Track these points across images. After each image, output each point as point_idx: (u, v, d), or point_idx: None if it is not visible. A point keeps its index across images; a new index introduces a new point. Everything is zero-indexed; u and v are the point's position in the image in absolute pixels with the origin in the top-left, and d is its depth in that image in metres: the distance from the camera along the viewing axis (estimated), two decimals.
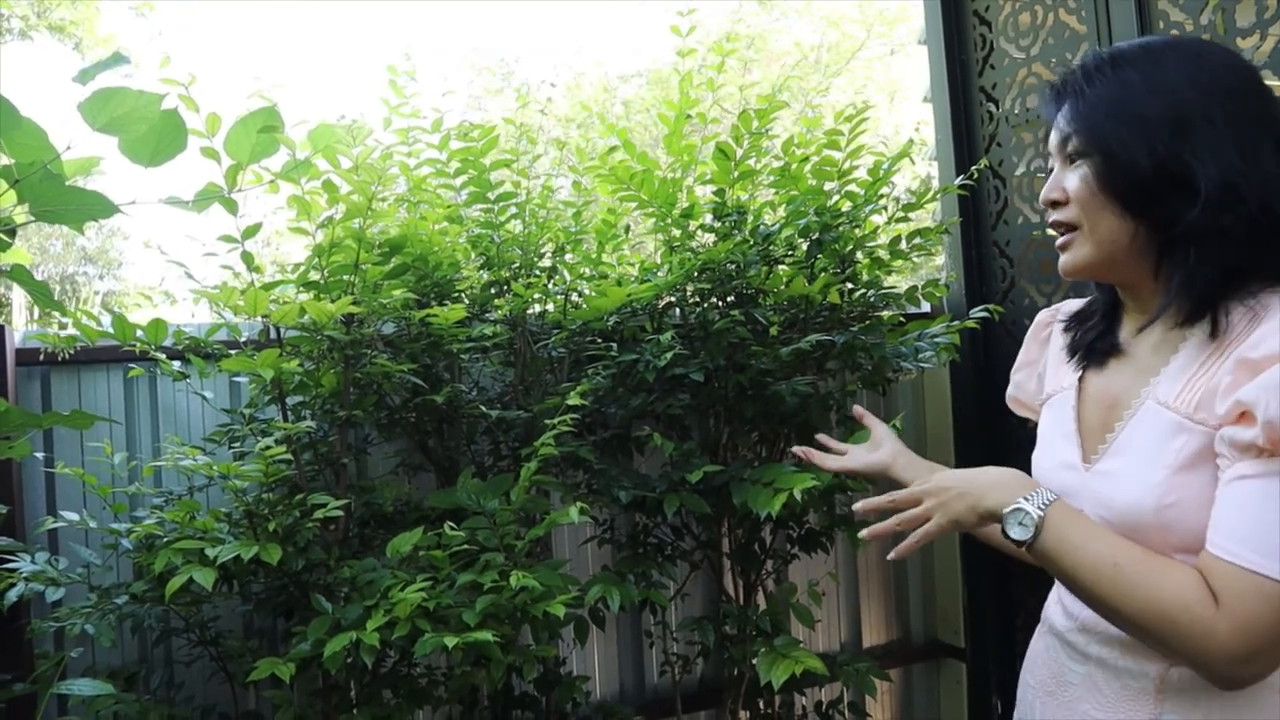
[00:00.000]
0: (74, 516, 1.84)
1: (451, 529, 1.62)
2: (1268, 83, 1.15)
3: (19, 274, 1.46)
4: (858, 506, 1.31)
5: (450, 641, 1.46)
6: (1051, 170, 1.21)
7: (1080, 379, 1.28)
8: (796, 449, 1.69)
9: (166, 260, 1.90)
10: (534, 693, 2.29)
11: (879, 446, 1.59)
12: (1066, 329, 1.35)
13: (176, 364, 1.99)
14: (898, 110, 16.61)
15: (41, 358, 2.08)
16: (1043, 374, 1.42)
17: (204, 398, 2.06)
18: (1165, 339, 1.15)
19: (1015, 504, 1.12)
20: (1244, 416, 1.00)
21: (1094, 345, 1.26)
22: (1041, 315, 1.46)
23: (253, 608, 2.06)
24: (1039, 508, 1.10)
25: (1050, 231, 1.22)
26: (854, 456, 1.61)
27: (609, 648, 2.67)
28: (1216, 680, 1.01)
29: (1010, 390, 1.52)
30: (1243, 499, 0.99)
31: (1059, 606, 1.27)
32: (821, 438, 1.69)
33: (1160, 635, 1.01)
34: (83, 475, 1.91)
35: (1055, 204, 1.19)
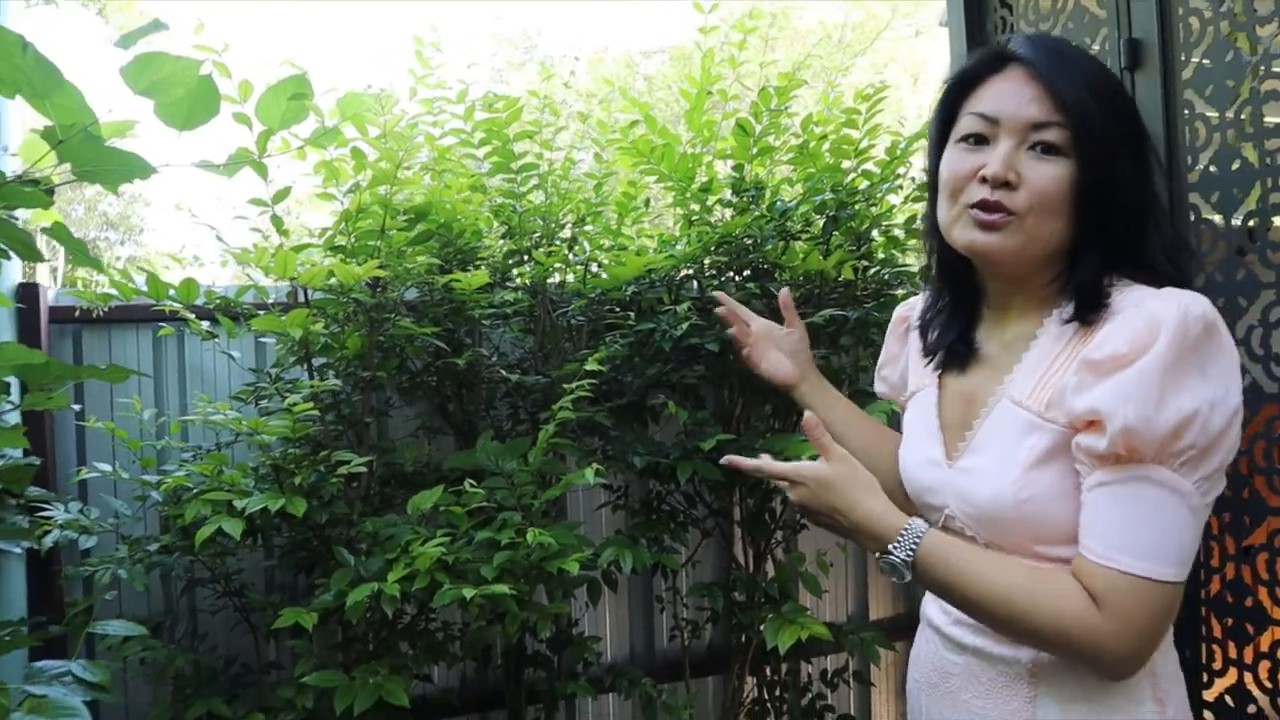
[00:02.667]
0: (106, 468, 1.90)
1: (472, 486, 1.68)
2: None
3: (59, 231, 1.52)
4: (724, 460, 1.23)
5: (468, 593, 1.52)
6: (978, 138, 1.14)
7: (940, 376, 1.28)
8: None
9: (197, 223, 1.96)
10: (546, 652, 2.36)
11: (793, 353, 1.53)
12: (920, 330, 1.34)
13: (205, 324, 2.05)
14: (920, 92, 16.53)
15: (77, 314, 2.13)
16: (904, 370, 1.41)
17: (231, 357, 2.12)
18: (1018, 336, 1.17)
19: (886, 553, 1.09)
20: (1095, 425, 1.02)
21: (952, 348, 1.25)
22: (899, 310, 1.45)
23: (276, 561, 2.13)
24: (908, 553, 1.08)
25: (972, 204, 1.13)
26: (767, 356, 1.53)
27: (620, 611, 2.73)
28: (1107, 675, 1.06)
29: (877, 386, 1.52)
30: (1106, 504, 1.02)
31: (935, 603, 1.27)
32: (785, 297, 1.57)
33: (1054, 646, 1.06)
34: (114, 429, 1.98)
35: (1004, 184, 1.10)
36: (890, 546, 1.08)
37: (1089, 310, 1.08)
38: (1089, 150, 1.08)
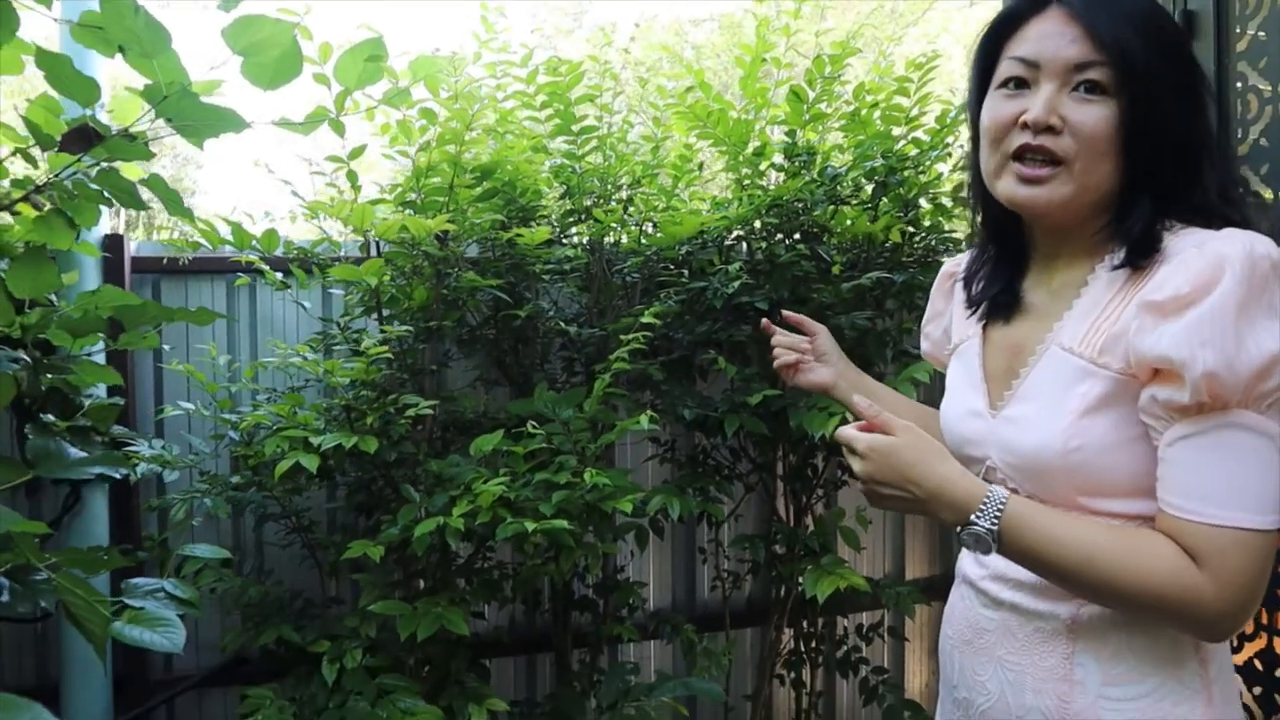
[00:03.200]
0: (189, 406, 2.03)
1: (534, 428, 1.78)
2: None
3: (155, 183, 1.63)
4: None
5: (530, 526, 1.63)
6: (1019, 82, 1.10)
7: (984, 328, 1.25)
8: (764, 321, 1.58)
9: (273, 179, 2.06)
10: (593, 596, 2.47)
11: (823, 356, 1.50)
12: (965, 282, 1.31)
13: (279, 275, 2.16)
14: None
15: (165, 262, 2.24)
16: (949, 326, 1.38)
17: (302, 306, 2.23)
18: (1066, 284, 1.14)
19: (970, 524, 1.03)
20: (1167, 375, 0.97)
21: (996, 299, 1.23)
22: (946, 266, 1.41)
23: (341, 502, 2.25)
24: (993, 523, 1.02)
25: (1013, 152, 1.09)
26: (802, 370, 1.50)
27: (663, 562, 2.83)
28: (1209, 637, 1.01)
29: (922, 344, 1.48)
30: (1194, 457, 0.97)
31: (970, 556, 1.23)
32: (789, 315, 1.54)
33: (1152, 611, 0.99)
34: (193, 372, 2.10)
35: (1048, 129, 1.06)
36: (973, 516, 1.03)
37: (1141, 254, 1.03)
38: (1134, 88, 1.03)
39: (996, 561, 1.16)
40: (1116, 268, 1.06)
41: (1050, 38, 1.07)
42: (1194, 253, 0.98)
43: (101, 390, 2.11)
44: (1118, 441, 1.03)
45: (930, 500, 1.05)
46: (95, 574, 1.61)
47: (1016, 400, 1.13)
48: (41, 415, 1.92)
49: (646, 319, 1.92)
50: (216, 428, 2.14)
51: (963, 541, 1.05)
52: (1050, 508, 1.06)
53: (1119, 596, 1.00)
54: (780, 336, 1.53)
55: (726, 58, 17.08)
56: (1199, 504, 0.96)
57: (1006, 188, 1.11)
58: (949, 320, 1.38)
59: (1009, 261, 1.23)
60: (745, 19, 17.83)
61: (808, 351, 1.51)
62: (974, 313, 1.27)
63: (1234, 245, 0.95)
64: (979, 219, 1.27)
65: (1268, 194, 2.02)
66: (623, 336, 1.89)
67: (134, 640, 1.40)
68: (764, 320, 1.56)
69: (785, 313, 1.54)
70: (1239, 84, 2.07)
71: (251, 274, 2.22)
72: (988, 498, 1.03)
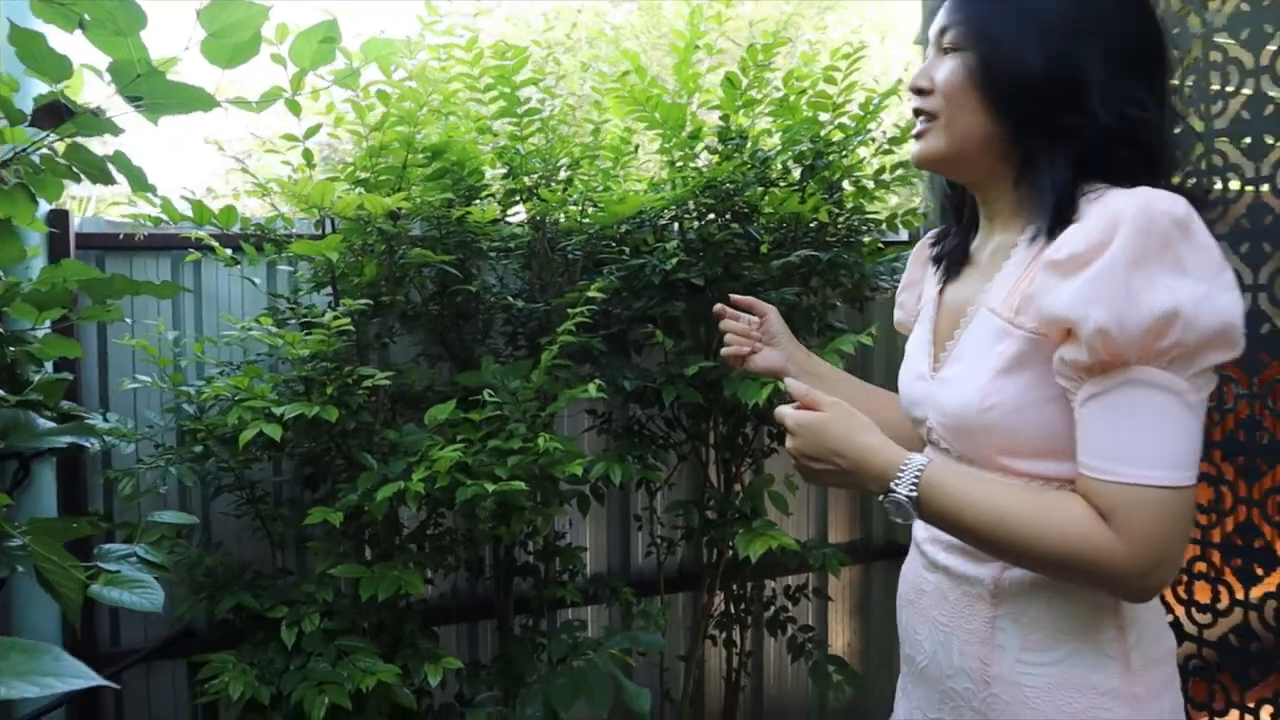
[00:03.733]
0: (146, 379, 2.06)
1: (490, 396, 1.87)
2: None
3: (120, 159, 1.67)
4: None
5: (490, 487, 1.72)
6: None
7: (940, 292, 1.29)
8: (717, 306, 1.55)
9: (227, 156, 2.10)
10: (534, 562, 2.56)
11: (773, 339, 1.50)
12: (933, 243, 1.36)
13: (228, 251, 2.20)
14: (888, 49, 16.68)
15: (120, 238, 2.25)
16: (921, 294, 1.40)
17: (251, 282, 2.28)
18: (1000, 246, 1.18)
19: (890, 491, 1.07)
20: (1071, 334, 0.99)
21: (950, 256, 1.28)
22: (926, 237, 1.43)
23: (292, 470, 2.31)
24: (909, 487, 1.06)
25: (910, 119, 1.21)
26: (753, 357, 1.50)
27: (599, 530, 2.94)
28: (1126, 596, 1.03)
29: (896, 314, 1.51)
30: (1100, 416, 0.98)
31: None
32: (739, 299, 1.54)
33: (1066, 571, 1.01)
34: (145, 345, 2.13)
35: (920, 91, 1.16)
36: (892, 484, 1.06)
37: (1058, 221, 1.05)
38: (984, 42, 1.10)
39: None
40: (1034, 238, 1.10)
41: (934, 15, 1.18)
42: (1094, 210, 1.00)
43: (48, 365, 2.13)
44: (1031, 401, 1.05)
45: (854, 471, 1.10)
46: (60, 542, 1.66)
47: (951, 361, 1.17)
48: None
49: (592, 294, 2.02)
50: (167, 400, 2.18)
51: (886, 509, 1.09)
52: (968, 471, 1.11)
53: (1033, 557, 1.02)
54: (730, 322, 1.52)
55: (646, 39, 17.18)
56: (1105, 462, 0.97)
57: (910, 150, 1.23)
58: (921, 289, 1.41)
59: (966, 229, 1.30)
60: (665, 1, 17.95)
61: (758, 337, 1.51)
62: (936, 271, 1.32)
63: (1131, 202, 0.96)
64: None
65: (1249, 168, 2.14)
66: (569, 310, 1.99)
67: (114, 601, 1.46)
68: (717, 305, 1.54)
69: (734, 296, 1.54)
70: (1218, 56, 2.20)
71: (201, 250, 2.25)
72: (905, 464, 1.07)
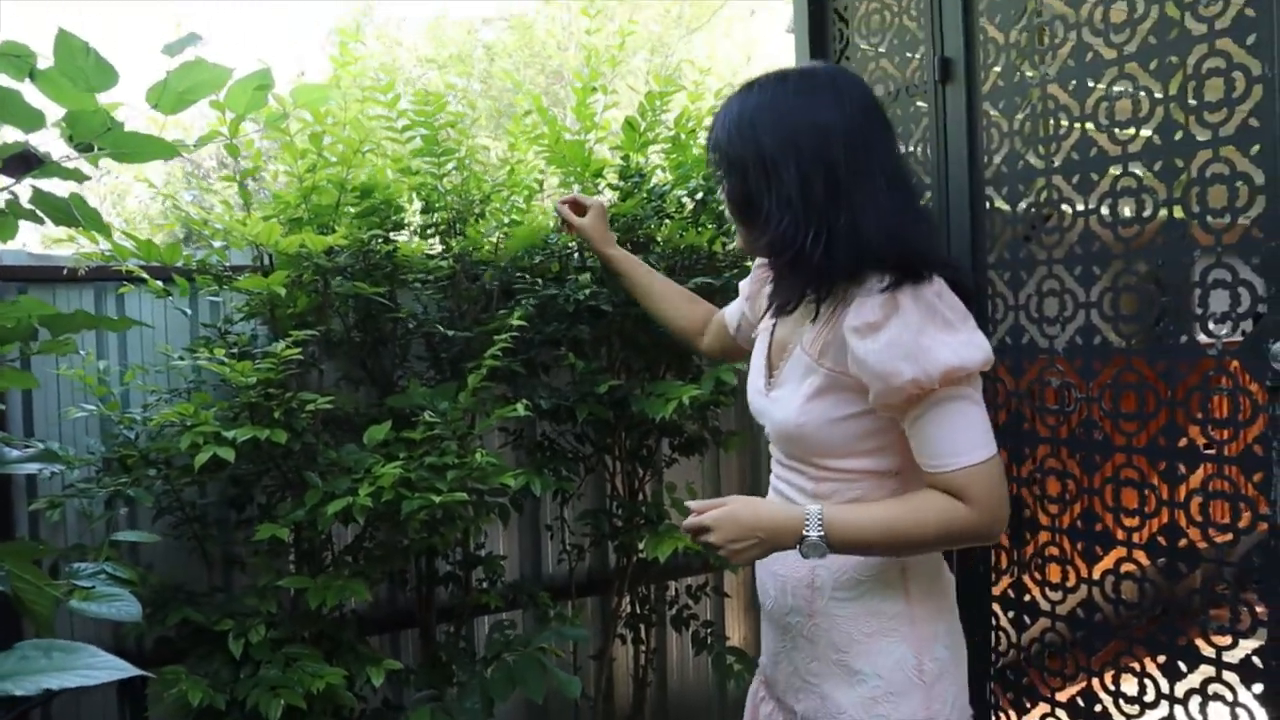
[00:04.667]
0: (91, 407, 2.16)
1: (430, 416, 2.04)
2: None
3: (76, 200, 1.79)
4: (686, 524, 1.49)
5: (436, 499, 1.89)
6: None
7: (774, 324, 1.62)
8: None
9: (161, 195, 2.22)
10: (456, 572, 2.73)
11: (596, 223, 2.12)
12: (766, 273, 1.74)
13: (159, 283, 2.31)
14: (754, 69, 17.25)
15: (80, 271, 2.31)
16: (756, 301, 1.78)
17: (184, 313, 2.39)
18: (809, 303, 1.49)
19: (804, 538, 1.37)
20: (886, 383, 1.34)
21: (781, 305, 1.53)
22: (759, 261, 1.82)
23: (221, 489, 2.42)
24: (819, 530, 1.36)
25: None
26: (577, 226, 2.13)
27: (512, 539, 3.12)
28: (986, 542, 1.45)
29: (731, 308, 1.95)
30: (929, 428, 1.35)
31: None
32: (571, 196, 2.21)
33: (948, 544, 1.42)
34: (82, 375, 2.22)
35: None
36: (805, 532, 1.36)
37: (832, 298, 1.44)
38: (729, 173, 1.49)
39: None
40: (831, 304, 1.45)
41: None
42: (877, 289, 1.36)
43: None
44: (832, 419, 1.44)
45: (773, 536, 1.40)
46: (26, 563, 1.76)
47: (778, 385, 1.54)
48: None
49: (515, 321, 2.21)
50: (92, 430, 2.27)
51: (804, 553, 1.39)
52: (854, 505, 1.45)
53: (924, 544, 1.41)
54: (563, 208, 2.16)
55: (519, 57, 17.36)
56: (946, 458, 1.35)
57: None
58: (760, 302, 1.74)
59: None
60: (536, 20, 18.16)
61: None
62: (769, 310, 1.63)
63: (906, 286, 1.35)
64: None
65: (1007, 208, 2.50)
66: (495, 337, 2.17)
67: (94, 614, 1.58)
68: (559, 203, 2.16)
69: (568, 195, 2.16)
70: (984, 120, 2.55)
71: (133, 282, 2.34)
72: (807, 516, 1.38)
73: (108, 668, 1.12)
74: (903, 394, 1.34)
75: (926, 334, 1.33)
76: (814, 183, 1.39)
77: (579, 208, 2.12)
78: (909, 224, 1.42)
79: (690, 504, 1.47)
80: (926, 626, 1.48)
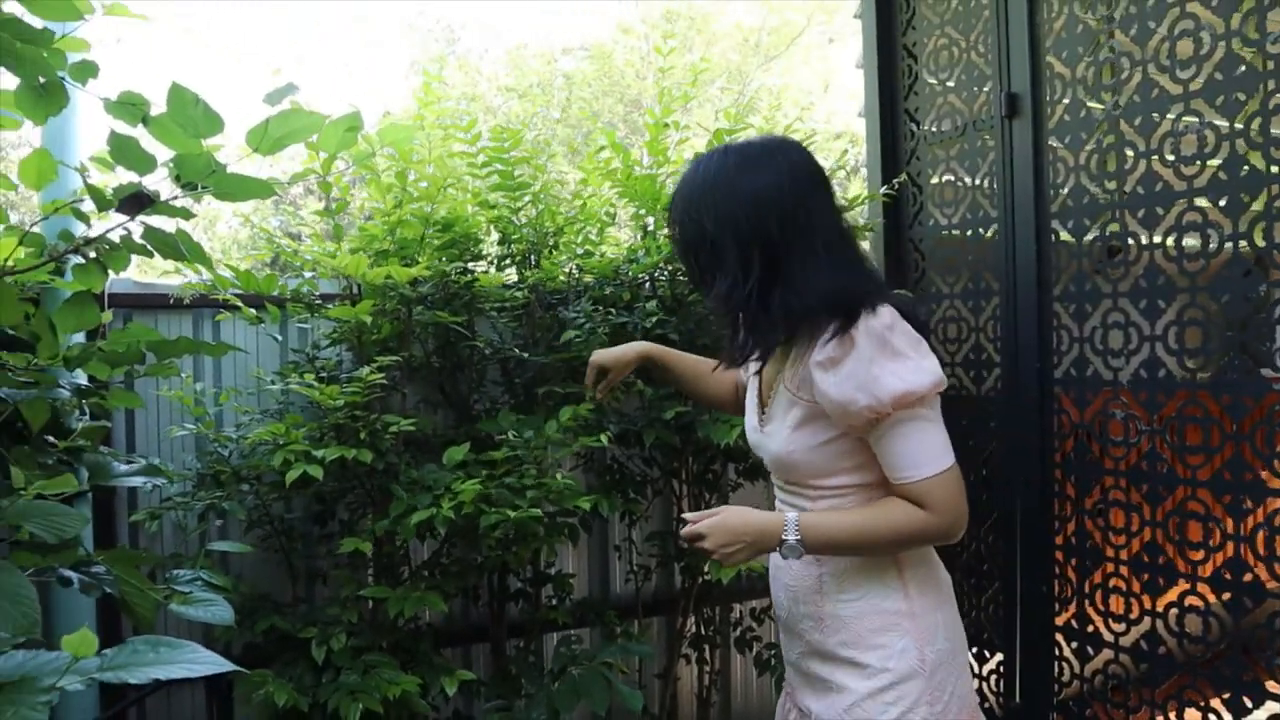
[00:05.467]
0: (191, 427, 2.31)
1: (513, 436, 2.15)
2: None
3: (182, 236, 1.93)
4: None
5: (512, 514, 2.00)
6: None
7: (758, 371, 1.77)
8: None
9: (250, 223, 2.37)
10: (527, 589, 2.83)
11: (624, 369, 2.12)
12: None
13: (253, 311, 2.46)
14: (832, 97, 17.28)
15: (184, 300, 2.47)
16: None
17: (275, 339, 2.54)
18: (786, 348, 1.66)
19: (784, 540, 1.54)
20: (847, 408, 1.50)
21: (734, 357, 1.69)
22: None
23: (305, 504, 2.55)
24: (795, 534, 1.53)
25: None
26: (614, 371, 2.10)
27: (582, 559, 3.21)
28: (946, 542, 1.58)
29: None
30: (889, 446, 1.51)
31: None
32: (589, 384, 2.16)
33: (910, 544, 1.57)
34: (182, 397, 2.38)
35: None
36: (784, 536, 1.54)
37: (805, 343, 1.58)
38: (683, 249, 1.66)
39: None
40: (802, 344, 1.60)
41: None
42: (832, 330, 1.52)
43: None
44: (815, 445, 1.60)
45: (758, 540, 1.57)
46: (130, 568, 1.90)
47: (768, 420, 1.70)
48: (44, 436, 2.18)
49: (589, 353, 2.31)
50: (189, 447, 2.42)
51: (784, 554, 1.56)
52: (828, 511, 1.61)
53: (889, 546, 1.56)
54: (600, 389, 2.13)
55: (597, 86, 17.62)
56: (907, 471, 1.51)
57: None
58: None
59: None
60: (615, 49, 18.42)
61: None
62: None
63: (860, 323, 1.49)
64: None
65: (1072, 240, 2.52)
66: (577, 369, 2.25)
67: (191, 617, 1.71)
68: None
69: (587, 383, 2.09)
70: (1050, 154, 2.58)
71: (229, 309, 2.50)
72: (786, 521, 1.55)
73: (208, 662, 1.23)
74: (861, 419, 1.51)
75: (877, 364, 1.48)
76: (752, 254, 1.56)
77: (603, 371, 2.12)
78: (845, 277, 1.56)
79: (686, 515, 1.64)
80: (926, 619, 1.62)
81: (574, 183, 2.88)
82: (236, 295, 2.44)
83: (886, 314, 1.51)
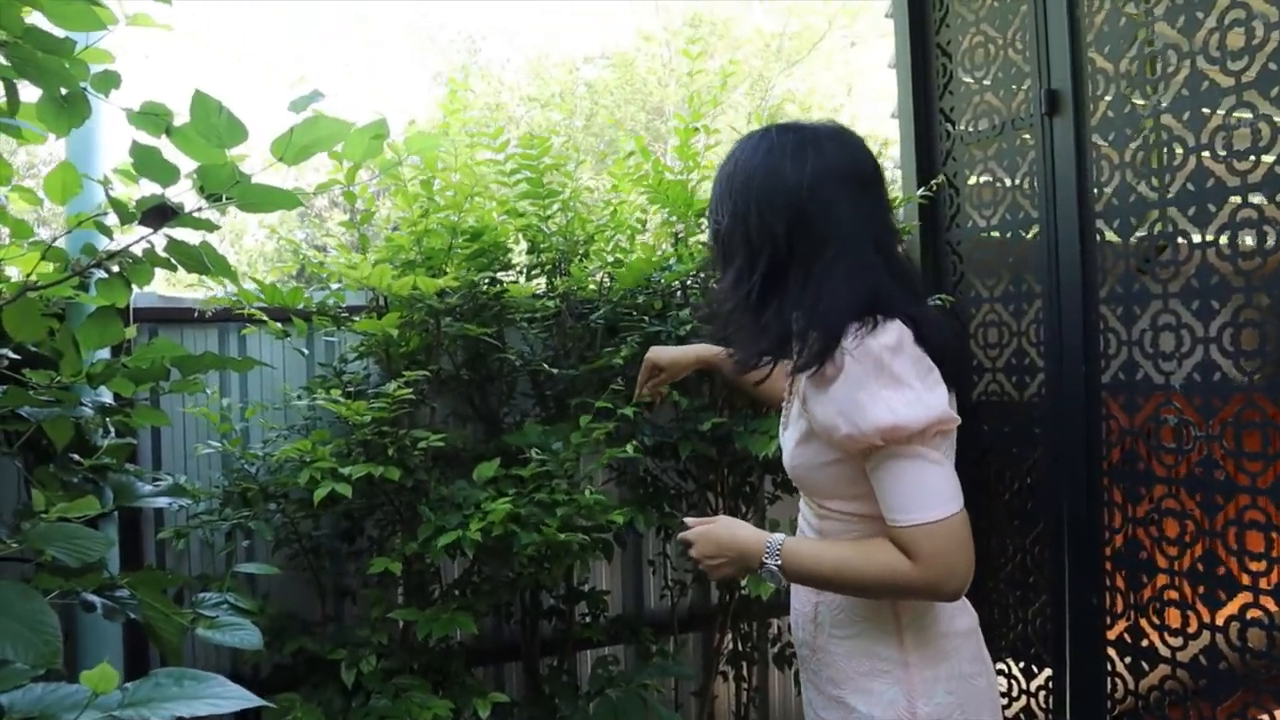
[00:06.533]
0: (217, 445, 2.26)
1: (539, 453, 2.09)
2: None
3: (207, 249, 1.89)
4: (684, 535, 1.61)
5: (538, 536, 1.93)
6: None
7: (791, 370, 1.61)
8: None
9: (286, 243, 2.33)
10: (560, 606, 2.76)
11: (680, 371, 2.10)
12: None
13: (278, 325, 2.41)
14: (855, 101, 17.16)
15: (196, 314, 2.43)
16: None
17: (302, 353, 2.49)
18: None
19: (763, 564, 1.45)
20: (831, 433, 1.36)
21: (741, 362, 1.56)
22: None
23: (334, 522, 2.50)
24: (774, 560, 1.43)
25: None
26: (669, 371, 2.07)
27: (615, 575, 3.15)
28: (935, 600, 1.42)
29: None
30: (879, 482, 1.34)
31: None
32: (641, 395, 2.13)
33: (890, 595, 1.41)
34: (208, 413, 2.33)
35: None
36: (764, 559, 1.44)
37: (777, 353, 1.45)
38: (714, 228, 1.52)
39: None
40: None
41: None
42: (825, 357, 1.36)
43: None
44: (818, 464, 1.45)
45: (740, 558, 1.49)
46: (156, 592, 1.85)
47: (785, 426, 1.58)
48: (69, 454, 2.14)
49: (619, 360, 2.25)
50: (215, 464, 2.37)
51: (763, 577, 1.47)
52: (815, 541, 1.50)
53: (866, 590, 1.41)
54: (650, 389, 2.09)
55: (619, 94, 17.60)
56: (893, 514, 1.34)
57: None
58: None
59: None
60: (637, 57, 18.41)
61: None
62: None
63: (857, 339, 1.33)
64: None
65: (1118, 240, 2.44)
66: (612, 386, 2.19)
67: (218, 642, 1.65)
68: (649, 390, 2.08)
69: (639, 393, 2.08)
70: (1094, 152, 2.50)
71: (255, 323, 2.46)
72: (768, 545, 1.45)
73: (235, 697, 1.18)
74: (844, 447, 1.37)
75: (866, 390, 1.32)
76: (757, 256, 1.43)
77: (656, 369, 2.08)
78: (863, 291, 1.39)
79: (686, 519, 1.58)
80: (922, 671, 1.47)
81: (601, 190, 2.82)
82: (262, 309, 2.40)
83: (892, 333, 1.34)
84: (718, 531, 1.52)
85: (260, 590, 2.65)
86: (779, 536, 1.46)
